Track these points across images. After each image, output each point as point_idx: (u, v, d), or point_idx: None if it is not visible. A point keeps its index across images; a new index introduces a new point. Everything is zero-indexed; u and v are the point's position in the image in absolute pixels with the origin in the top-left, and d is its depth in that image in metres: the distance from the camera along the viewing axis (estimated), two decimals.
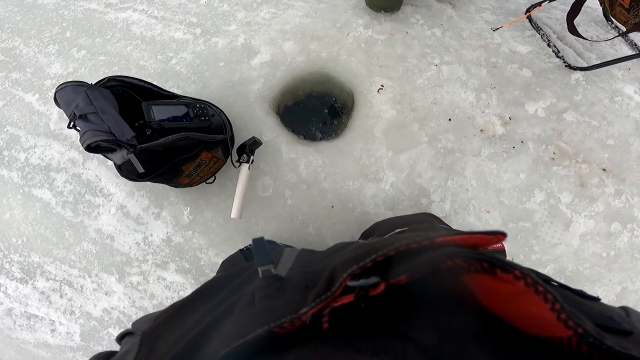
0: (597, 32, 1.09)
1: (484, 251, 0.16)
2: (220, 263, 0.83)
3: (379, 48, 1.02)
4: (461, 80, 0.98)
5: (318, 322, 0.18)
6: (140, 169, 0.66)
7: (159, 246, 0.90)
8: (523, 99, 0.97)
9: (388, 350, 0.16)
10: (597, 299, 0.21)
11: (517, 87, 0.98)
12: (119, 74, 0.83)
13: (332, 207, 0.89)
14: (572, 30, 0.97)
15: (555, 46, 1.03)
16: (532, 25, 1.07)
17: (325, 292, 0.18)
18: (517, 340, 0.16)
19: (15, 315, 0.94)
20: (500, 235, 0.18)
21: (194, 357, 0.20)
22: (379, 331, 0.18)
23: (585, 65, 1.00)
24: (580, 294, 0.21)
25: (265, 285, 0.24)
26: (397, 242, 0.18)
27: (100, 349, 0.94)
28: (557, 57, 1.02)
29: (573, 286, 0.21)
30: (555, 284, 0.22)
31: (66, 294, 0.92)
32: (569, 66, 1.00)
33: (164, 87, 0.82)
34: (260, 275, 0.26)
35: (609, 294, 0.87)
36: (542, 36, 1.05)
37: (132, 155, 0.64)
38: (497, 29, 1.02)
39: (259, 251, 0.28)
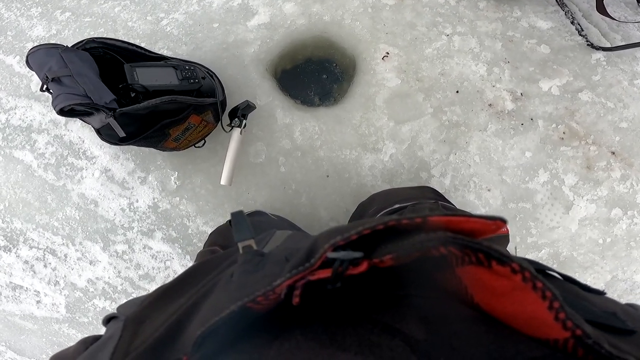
0: (626, 14, 1.02)
1: (480, 240, 0.15)
2: (208, 232, 0.80)
3: (386, 14, 0.95)
4: (473, 52, 0.92)
5: (296, 306, 0.17)
6: (121, 133, 0.63)
7: (145, 213, 0.86)
8: (538, 76, 0.91)
9: (373, 346, 0.15)
10: (602, 293, 0.20)
11: (532, 63, 0.92)
12: (105, 35, 0.78)
13: (327, 176, 0.85)
14: (601, 9, 0.90)
15: (579, 24, 0.96)
16: (556, 1, 1.00)
17: (304, 263, 0.17)
18: (511, 339, 0.15)
19: (1, 287, 0.92)
20: (500, 222, 0.17)
21: (175, 341, 0.20)
22: (364, 323, 0.17)
23: (608, 45, 0.94)
24: (585, 287, 0.20)
25: (244, 261, 0.23)
26: (388, 218, 0.16)
27: (85, 320, 0.93)
28: (580, 35, 0.95)
29: (564, 272, 0.20)
30: (558, 275, 0.21)
31: (50, 264, 0.89)
32: (592, 45, 0.94)
33: (152, 49, 0.76)
34: (240, 252, 0.25)
35: (598, 282, 0.86)
36: (566, 13, 0.98)
37: (111, 119, 0.60)
38: None
39: (239, 225, 0.27)
